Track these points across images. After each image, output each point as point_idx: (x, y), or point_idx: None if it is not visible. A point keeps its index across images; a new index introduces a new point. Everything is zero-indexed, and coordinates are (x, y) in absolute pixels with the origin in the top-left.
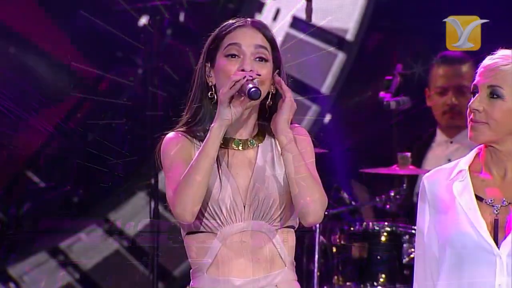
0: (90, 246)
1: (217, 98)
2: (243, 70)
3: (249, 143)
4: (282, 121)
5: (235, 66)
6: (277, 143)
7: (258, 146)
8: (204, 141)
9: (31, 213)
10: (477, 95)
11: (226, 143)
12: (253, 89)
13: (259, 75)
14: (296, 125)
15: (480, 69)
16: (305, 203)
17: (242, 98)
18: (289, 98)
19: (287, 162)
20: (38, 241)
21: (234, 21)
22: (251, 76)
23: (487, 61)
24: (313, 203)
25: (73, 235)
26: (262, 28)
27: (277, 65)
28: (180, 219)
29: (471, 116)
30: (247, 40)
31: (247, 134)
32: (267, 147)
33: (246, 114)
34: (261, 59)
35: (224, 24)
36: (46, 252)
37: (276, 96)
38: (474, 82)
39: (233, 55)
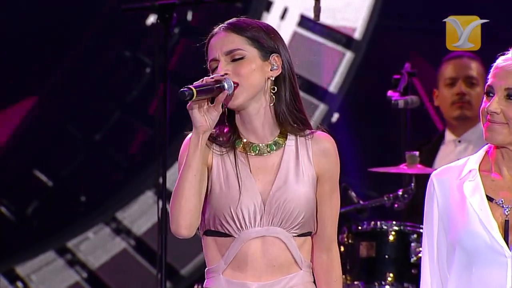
0: (97, 245)
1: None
2: None
3: (269, 147)
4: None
5: None
6: (303, 142)
7: (283, 147)
8: (187, 152)
9: (39, 212)
10: (494, 97)
11: (245, 148)
12: (180, 90)
13: (226, 73)
14: (322, 132)
15: (494, 70)
16: None
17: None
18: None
19: None
20: (45, 240)
21: (213, 29)
22: (210, 76)
23: (501, 62)
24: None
25: (81, 234)
26: (234, 28)
27: (267, 51)
28: (178, 235)
29: (488, 117)
30: (219, 48)
31: (267, 139)
32: (291, 148)
33: (256, 118)
34: (236, 59)
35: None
36: (54, 251)
37: (277, 83)
38: (489, 83)
39: (215, 68)
